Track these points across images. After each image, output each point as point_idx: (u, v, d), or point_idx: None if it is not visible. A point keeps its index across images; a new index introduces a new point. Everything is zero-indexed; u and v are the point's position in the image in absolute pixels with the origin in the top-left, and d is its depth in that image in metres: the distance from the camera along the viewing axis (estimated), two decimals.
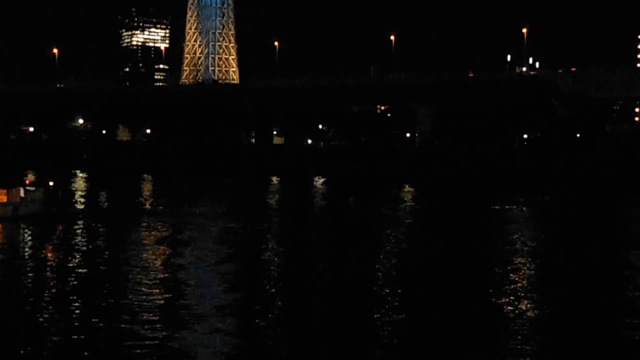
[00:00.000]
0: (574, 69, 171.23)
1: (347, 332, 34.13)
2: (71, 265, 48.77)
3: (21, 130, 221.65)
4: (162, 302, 38.70)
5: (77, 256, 52.30)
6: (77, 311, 36.66)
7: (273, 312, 37.86)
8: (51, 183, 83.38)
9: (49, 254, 53.73)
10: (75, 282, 43.35)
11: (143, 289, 41.06)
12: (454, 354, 31.49)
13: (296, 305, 39.14)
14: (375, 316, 36.59)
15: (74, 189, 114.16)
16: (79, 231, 65.08)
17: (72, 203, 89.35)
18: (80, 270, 47.21)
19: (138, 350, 30.53)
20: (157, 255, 53.14)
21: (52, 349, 30.79)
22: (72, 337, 32.16)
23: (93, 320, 34.82)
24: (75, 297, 39.36)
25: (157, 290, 41.07)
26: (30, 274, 46.10)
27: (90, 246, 57.11)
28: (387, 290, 42.56)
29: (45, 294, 40.11)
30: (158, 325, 33.86)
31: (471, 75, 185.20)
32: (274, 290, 43.12)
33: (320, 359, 31.10)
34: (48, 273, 46.61)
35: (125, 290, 40.71)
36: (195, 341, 31.80)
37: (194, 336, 32.52)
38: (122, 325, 33.84)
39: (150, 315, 35.66)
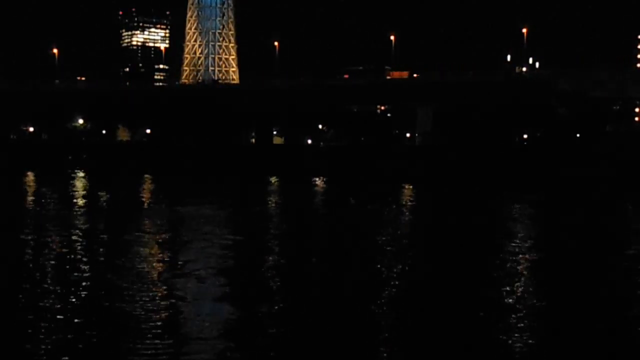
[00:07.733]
0: (573, 69, 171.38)
1: (347, 332, 34.15)
2: (65, 267, 48.46)
3: (21, 130, 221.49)
4: (159, 309, 38.58)
5: (73, 257, 52.12)
6: (68, 317, 36.17)
7: (272, 313, 37.87)
8: None
9: (44, 254, 53.42)
10: (67, 286, 42.89)
11: (138, 293, 40.77)
12: (453, 354, 31.50)
13: (297, 313, 38.98)
14: (376, 318, 36.60)
15: (74, 188, 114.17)
16: (77, 231, 64.94)
17: (71, 203, 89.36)
18: (75, 273, 46.98)
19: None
20: (155, 257, 53.05)
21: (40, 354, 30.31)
22: (62, 344, 31.62)
23: (85, 325, 34.69)
24: (66, 302, 39.04)
25: (154, 295, 40.95)
26: (22, 276, 45.57)
27: (87, 247, 57.03)
28: (387, 291, 42.56)
29: (34, 297, 39.35)
30: (152, 335, 33.50)
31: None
32: (272, 291, 43.12)
33: None
34: (39, 275, 46.06)
35: (120, 296, 40.43)
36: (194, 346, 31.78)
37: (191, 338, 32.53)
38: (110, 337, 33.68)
39: (147, 323, 35.50)
